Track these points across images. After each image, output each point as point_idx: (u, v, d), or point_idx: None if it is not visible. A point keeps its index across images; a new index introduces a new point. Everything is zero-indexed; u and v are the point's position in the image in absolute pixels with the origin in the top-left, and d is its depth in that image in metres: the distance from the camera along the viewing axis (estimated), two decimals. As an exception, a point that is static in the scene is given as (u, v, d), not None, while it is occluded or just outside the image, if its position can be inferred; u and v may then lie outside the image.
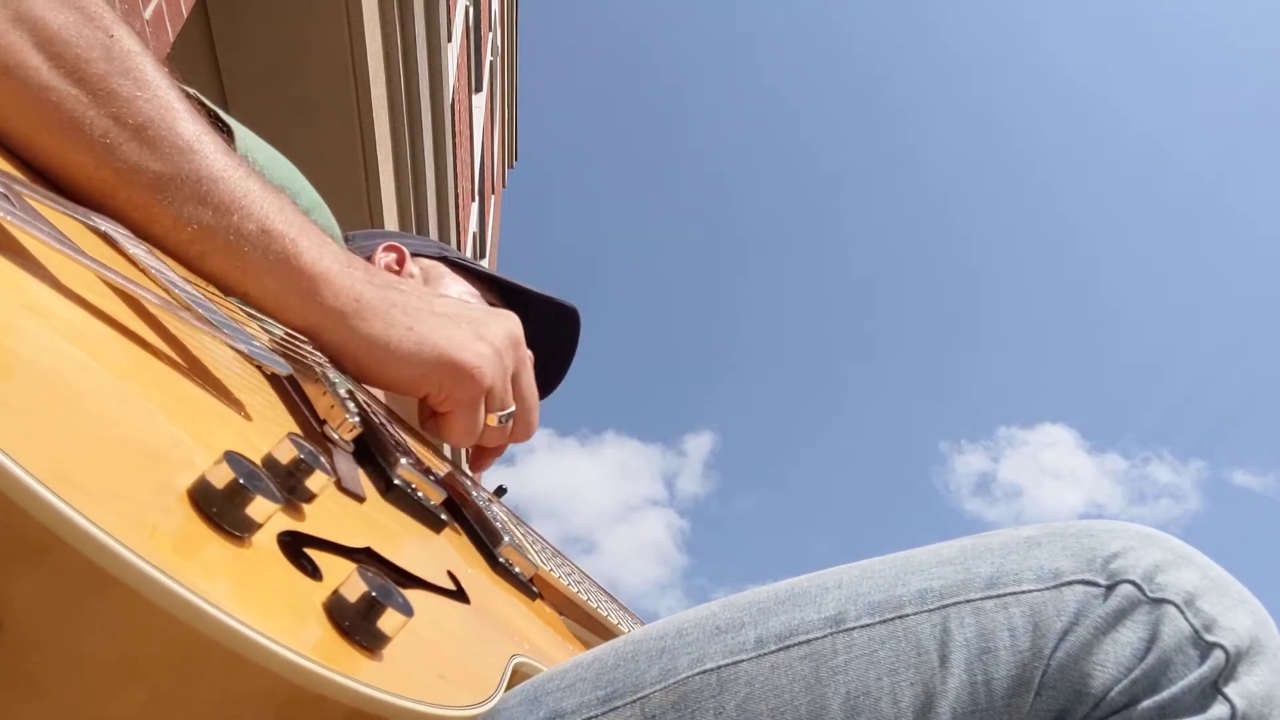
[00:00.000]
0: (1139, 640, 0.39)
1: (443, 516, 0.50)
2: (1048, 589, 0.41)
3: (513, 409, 0.68)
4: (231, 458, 0.27)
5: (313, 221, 0.58)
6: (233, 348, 0.38)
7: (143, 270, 0.40)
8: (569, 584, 0.71)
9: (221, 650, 0.23)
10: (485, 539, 0.60)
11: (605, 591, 0.92)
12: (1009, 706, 0.39)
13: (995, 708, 0.39)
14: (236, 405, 0.37)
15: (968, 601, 0.41)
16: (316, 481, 0.32)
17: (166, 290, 0.39)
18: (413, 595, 0.36)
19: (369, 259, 0.95)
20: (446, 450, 0.81)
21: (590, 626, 0.74)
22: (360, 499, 0.41)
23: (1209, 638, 0.39)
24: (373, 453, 0.50)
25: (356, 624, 0.28)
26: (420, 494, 0.49)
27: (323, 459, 0.33)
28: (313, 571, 0.30)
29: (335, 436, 0.46)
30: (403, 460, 0.49)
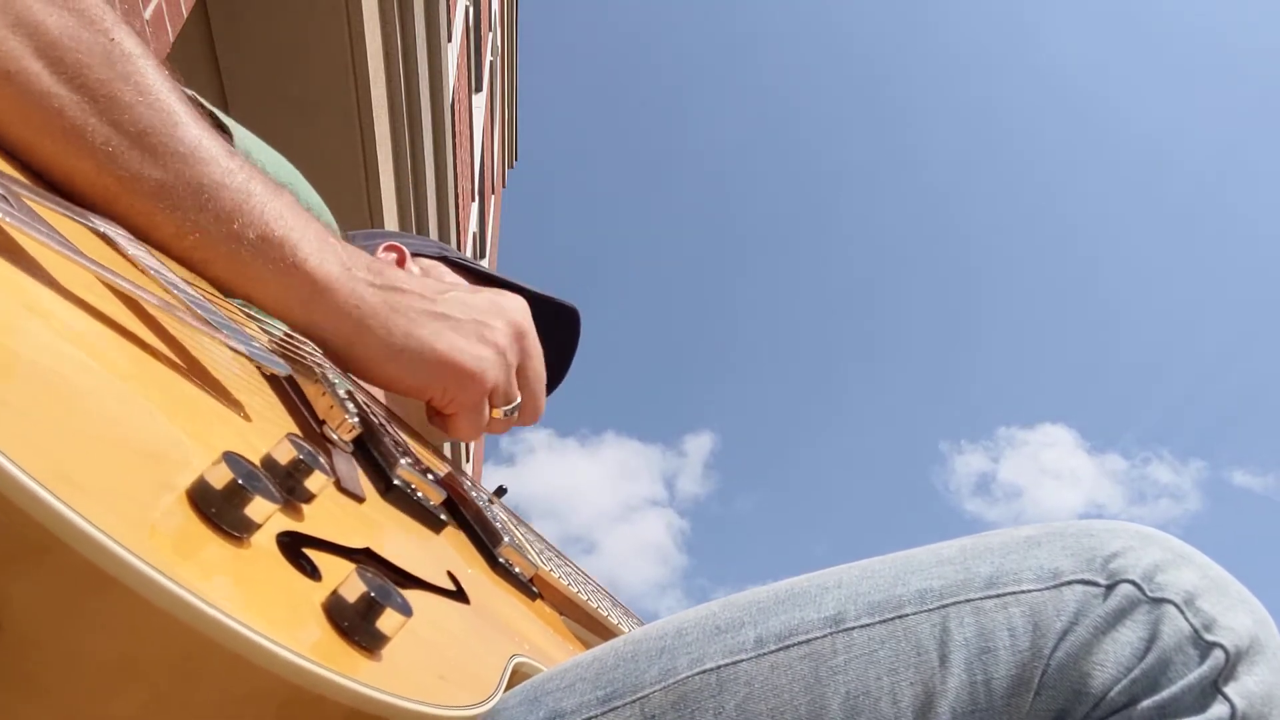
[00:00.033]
0: (1139, 640, 0.39)
1: (442, 517, 0.50)
2: (1047, 589, 0.41)
3: (518, 401, 0.68)
4: (230, 458, 0.27)
5: (315, 219, 0.58)
6: (232, 348, 0.38)
7: (142, 271, 0.40)
8: (569, 584, 0.71)
9: (221, 651, 0.23)
10: (485, 539, 0.60)
11: (605, 591, 0.92)
12: (1009, 706, 0.39)
13: (995, 707, 0.39)
14: (236, 406, 0.37)
15: (967, 601, 0.41)
16: (315, 482, 0.32)
17: (166, 291, 0.39)
18: (412, 595, 0.36)
19: None
20: (446, 450, 0.81)
21: (590, 626, 0.74)
22: (359, 499, 0.41)
23: (1209, 637, 0.39)
24: (372, 453, 0.50)
25: (355, 624, 0.28)
26: (420, 494, 0.49)
27: (322, 459, 0.33)
28: (312, 572, 0.30)
29: (334, 437, 0.46)
30: (402, 460, 0.49)
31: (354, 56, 3.32)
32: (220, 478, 0.27)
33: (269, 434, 0.37)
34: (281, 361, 0.44)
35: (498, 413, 0.66)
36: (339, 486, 0.40)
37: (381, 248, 1.00)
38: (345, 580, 0.29)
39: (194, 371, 0.36)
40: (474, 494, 0.64)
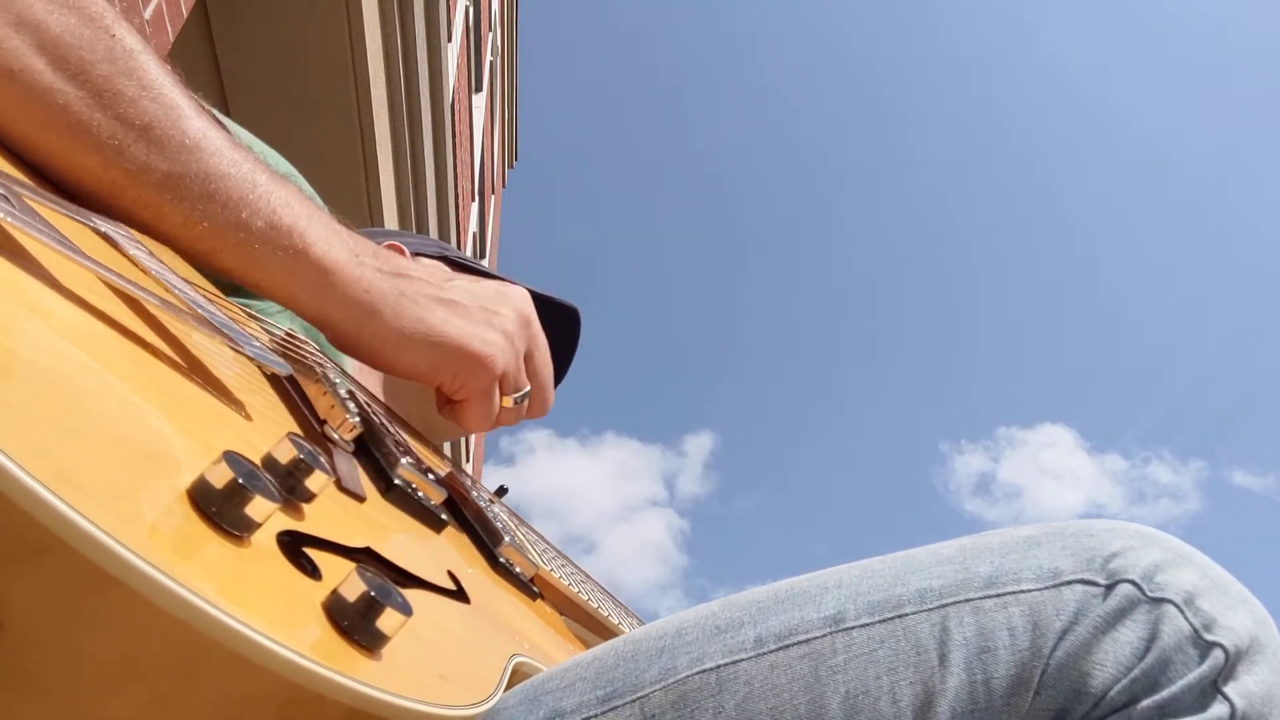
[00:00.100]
0: (1138, 639, 0.39)
1: (443, 516, 0.50)
2: (1047, 588, 0.41)
3: (527, 389, 0.68)
4: (231, 457, 0.27)
5: (321, 208, 0.58)
6: (233, 348, 0.38)
7: (144, 271, 0.40)
8: (569, 584, 0.71)
9: (221, 650, 0.23)
10: (486, 539, 0.60)
11: (605, 591, 0.92)
12: (1008, 706, 0.39)
13: (994, 707, 0.39)
14: (236, 405, 0.37)
15: (967, 601, 0.41)
16: (316, 481, 0.32)
17: (167, 291, 0.39)
18: (412, 595, 0.36)
19: None
20: (446, 450, 0.81)
21: (590, 626, 0.74)
22: (360, 499, 0.41)
23: (1209, 637, 0.39)
24: (373, 452, 0.50)
25: (355, 623, 0.28)
26: (420, 494, 0.49)
27: (322, 459, 0.33)
28: (312, 571, 0.30)
29: (335, 436, 0.46)
30: (403, 460, 0.49)
31: (354, 56, 3.32)
32: (221, 477, 0.27)
33: (270, 433, 0.37)
34: (282, 361, 0.44)
35: (508, 401, 0.66)
36: (340, 486, 0.40)
37: (382, 247, 1.00)
38: (345, 579, 0.29)
39: (195, 371, 0.36)
40: (475, 494, 0.65)
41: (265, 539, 0.29)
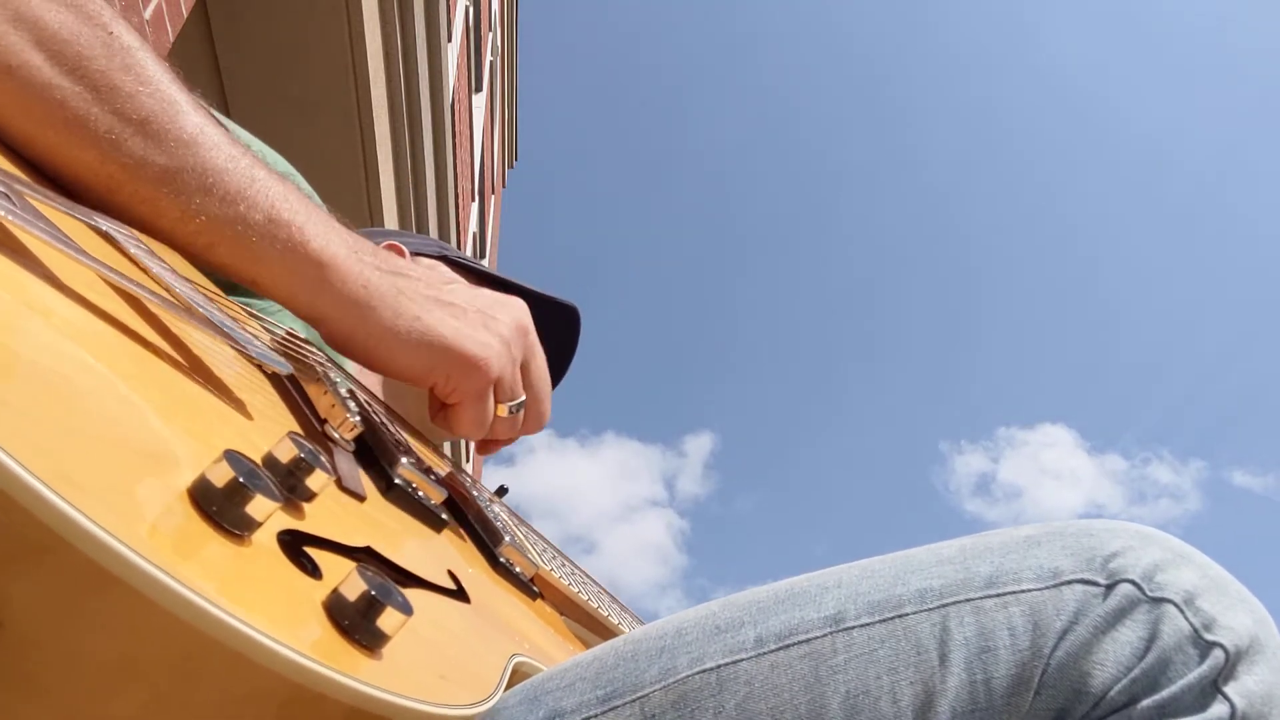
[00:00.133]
0: (1138, 639, 0.39)
1: (443, 516, 0.50)
2: (1047, 588, 0.41)
3: (523, 399, 0.68)
4: (231, 456, 0.27)
5: (319, 205, 0.58)
6: (234, 347, 0.38)
7: (144, 270, 0.40)
8: (569, 584, 0.71)
9: (221, 649, 0.23)
10: (486, 538, 0.60)
11: (606, 591, 0.92)
12: (1008, 705, 0.39)
13: (995, 707, 0.39)
14: (237, 404, 0.37)
15: (967, 600, 0.41)
16: (317, 480, 0.32)
17: (168, 290, 0.39)
18: (413, 594, 0.36)
19: None
20: (446, 449, 0.81)
21: (590, 626, 0.74)
22: (360, 498, 0.41)
23: (1209, 637, 0.39)
24: (373, 452, 0.50)
25: (356, 623, 0.28)
26: (421, 493, 0.49)
27: (323, 458, 0.33)
28: (312, 570, 0.30)
29: (336, 436, 0.46)
30: (403, 459, 0.49)
31: (354, 56, 3.32)
32: (221, 476, 0.27)
33: (270, 432, 0.37)
34: (283, 360, 0.44)
35: (502, 409, 0.65)
36: (340, 485, 0.40)
37: (382, 247, 1.00)
38: (346, 579, 0.29)
39: (195, 370, 0.36)
40: (475, 493, 0.64)
41: (266, 538, 0.29)
